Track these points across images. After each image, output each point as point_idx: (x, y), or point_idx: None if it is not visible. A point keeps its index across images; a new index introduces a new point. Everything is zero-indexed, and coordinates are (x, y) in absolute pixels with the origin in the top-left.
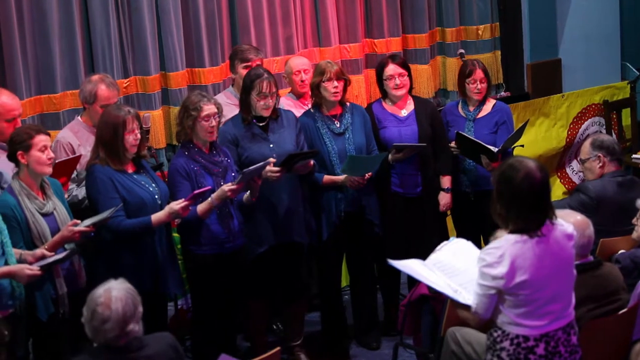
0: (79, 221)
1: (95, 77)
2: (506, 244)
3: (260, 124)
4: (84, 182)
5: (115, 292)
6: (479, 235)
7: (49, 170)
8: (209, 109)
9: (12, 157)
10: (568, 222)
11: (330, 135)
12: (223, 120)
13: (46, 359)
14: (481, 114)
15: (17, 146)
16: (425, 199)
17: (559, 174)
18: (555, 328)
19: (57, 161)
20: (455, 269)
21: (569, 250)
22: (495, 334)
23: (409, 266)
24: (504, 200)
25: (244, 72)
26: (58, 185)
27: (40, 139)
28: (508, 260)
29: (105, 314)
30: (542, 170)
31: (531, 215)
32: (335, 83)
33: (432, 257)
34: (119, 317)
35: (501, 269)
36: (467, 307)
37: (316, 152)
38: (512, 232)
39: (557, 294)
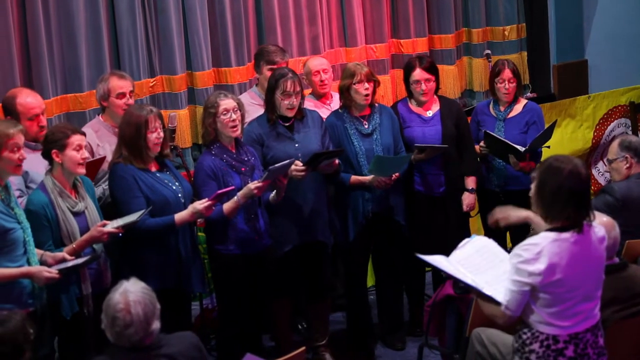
0: (108, 222)
1: (106, 75)
2: (544, 241)
3: (286, 124)
4: (101, 181)
5: (132, 295)
6: (506, 235)
7: (83, 170)
8: (225, 103)
9: (46, 155)
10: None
11: (358, 135)
12: (248, 120)
13: (71, 358)
14: (512, 114)
15: (52, 145)
16: (448, 199)
17: None
18: (583, 329)
19: None
20: (479, 267)
21: (601, 252)
22: (524, 336)
23: (438, 261)
24: (547, 193)
25: (269, 73)
26: (90, 185)
27: (76, 139)
28: (546, 257)
29: (127, 319)
30: (585, 167)
31: (573, 211)
32: (366, 85)
33: (455, 254)
34: (140, 320)
35: (538, 266)
36: (496, 304)
37: (341, 151)
38: (551, 229)
39: (589, 294)
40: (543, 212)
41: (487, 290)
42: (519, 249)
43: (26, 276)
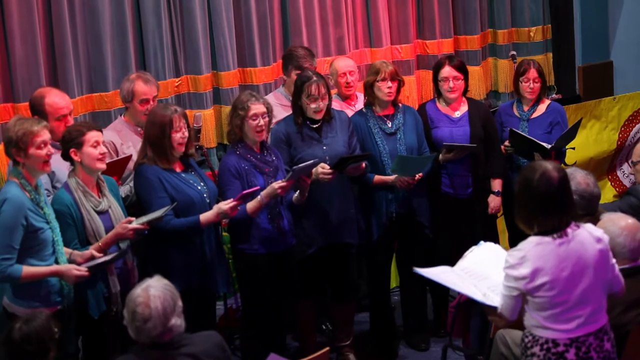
0: (133, 219)
1: (132, 75)
2: (528, 246)
3: (314, 126)
4: (126, 181)
5: (152, 290)
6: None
7: (103, 165)
8: (256, 108)
9: (65, 156)
10: (617, 226)
11: (381, 135)
12: (274, 121)
13: (95, 357)
14: (535, 114)
15: (69, 144)
16: (476, 200)
17: (609, 177)
18: (585, 333)
19: (107, 161)
20: (482, 274)
21: (595, 252)
22: (526, 340)
23: (437, 274)
24: (524, 202)
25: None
26: (113, 183)
27: (92, 135)
28: (530, 261)
29: (146, 312)
30: (560, 171)
31: (551, 215)
32: (389, 83)
33: (459, 264)
34: (159, 314)
35: (522, 270)
36: (494, 310)
37: (369, 156)
38: (535, 234)
39: (585, 297)
40: (523, 222)
41: (485, 299)
42: (507, 254)
43: (56, 274)
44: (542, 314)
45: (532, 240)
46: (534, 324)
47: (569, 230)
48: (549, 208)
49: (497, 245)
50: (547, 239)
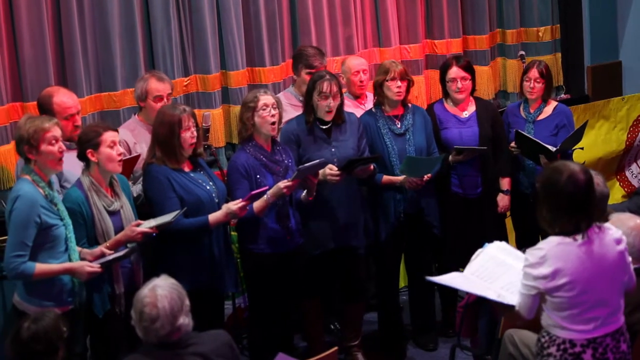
0: (142, 222)
1: (146, 75)
2: (549, 245)
3: (323, 127)
4: (138, 180)
5: (160, 290)
6: (538, 236)
7: (119, 167)
8: (265, 98)
9: (81, 156)
10: (626, 226)
11: (390, 135)
12: (284, 120)
13: (103, 356)
14: (542, 116)
15: (86, 145)
16: (485, 200)
17: (618, 177)
18: (602, 334)
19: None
20: (494, 273)
21: (615, 254)
22: (542, 340)
23: (449, 280)
24: (548, 202)
25: (307, 77)
26: (126, 183)
27: (109, 135)
28: (550, 261)
29: (153, 312)
30: (586, 172)
31: (575, 217)
32: (399, 83)
33: (468, 269)
34: (166, 313)
35: (542, 270)
36: (511, 308)
37: (378, 157)
38: (556, 234)
39: (603, 298)
40: (546, 222)
41: (500, 299)
42: (527, 252)
43: (68, 272)
44: (561, 314)
45: (553, 240)
46: (551, 324)
47: (590, 231)
48: (574, 210)
49: (502, 243)
50: (569, 239)
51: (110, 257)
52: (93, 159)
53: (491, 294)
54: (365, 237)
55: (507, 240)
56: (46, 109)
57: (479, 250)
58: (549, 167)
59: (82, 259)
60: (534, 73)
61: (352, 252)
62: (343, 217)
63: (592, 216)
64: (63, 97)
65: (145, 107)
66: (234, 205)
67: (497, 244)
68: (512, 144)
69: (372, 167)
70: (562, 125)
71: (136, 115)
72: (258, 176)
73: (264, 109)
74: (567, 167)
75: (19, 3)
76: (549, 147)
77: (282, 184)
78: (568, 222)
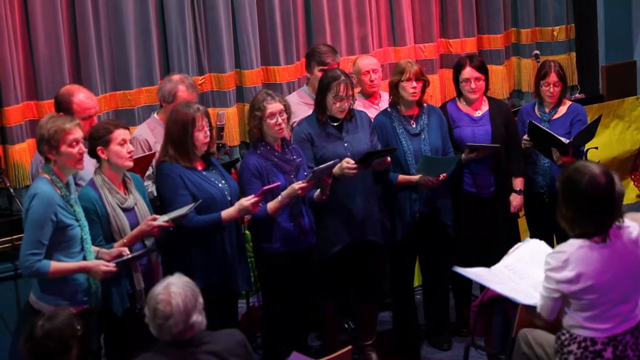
0: (158, 216)
1: (175, 77)
2: (571, 249)
3: (334, 124)
4: (153, 178)
5: (173, 287)
6: (552, 236)
7: (130, 163)
8: (272, 107)
9: (92, 153)
10: None
11: (406, 135)
12: (296, 119)
13: (117, 354)
14: (556, 116)
15: (96, 142)
16: (498, 200)
17: (632, 176)
18: (623, 330)
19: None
20: (526, 271)
21: (636, 253)
22: (562, 337)
23: (476, 274)
24: (569, 204)
25: (320, 74)
26: (139, 181)
27: (119, 133)
28: (572, 265)
29: (167, 310)
30: (607, 174)
31: (597, 219)
32: (414, 83)
33: (505, 260)
34: (180, 311)
35: (565, 274)
36: (533, 309)
37: (394, 150)
38: (577, 236)
39: (625, 297)
40: (567, 223)
41: (523, 298)
42: (548, 256)
43: (84, 270)
44: (583, 315)
45: (574, 242)
46: (572, 324)
47: (611, 232)
48: (594, 212)
49: (542, 242)
50: (590, 242)
51: (126, 257)
52: (103, 156)
53: (515, 295)
54: (382, 235)
55: (519, 240)
56: (65, 107)
57: (519, 244)
58: (569, 167)
59: (99, 259)
60: (553, 77)
61: (368, 248)
62: (359, 212)
63: (614, 218)
64: (83, 98)
65: (167, 109)
66: (247, 201)
67: (536, 241)
68: (525, 137)
69: (388, 159)
70: (576, 120)
71: (156, 115)
72: (270, 176)
73: (270, 118)
74: (588, 169)
75: (34, 2)
76: (562, 139)
77: (297, 185)
78: (589, 224)
